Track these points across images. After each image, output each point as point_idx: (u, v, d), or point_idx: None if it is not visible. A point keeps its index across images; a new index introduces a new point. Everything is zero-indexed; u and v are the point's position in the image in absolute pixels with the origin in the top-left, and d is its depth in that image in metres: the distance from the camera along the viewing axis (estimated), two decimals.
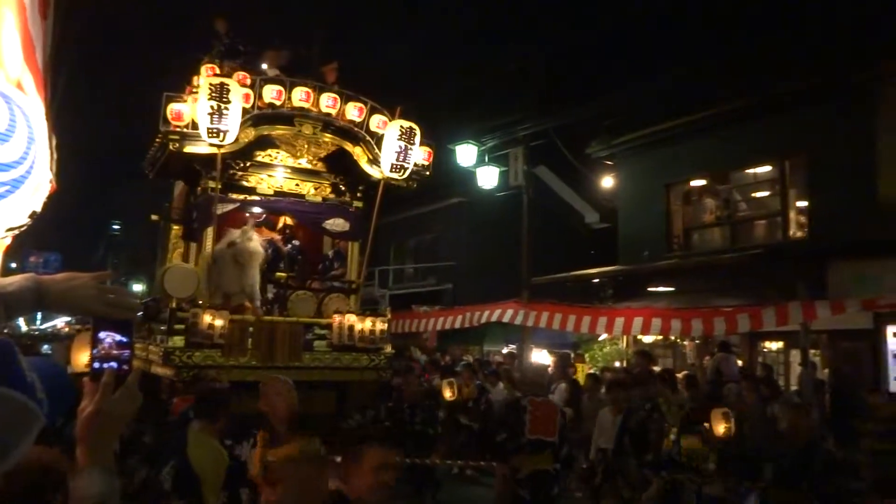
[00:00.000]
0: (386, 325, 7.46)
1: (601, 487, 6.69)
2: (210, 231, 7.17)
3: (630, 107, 13.58)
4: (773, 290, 9.47)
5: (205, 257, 7.15)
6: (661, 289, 12.29)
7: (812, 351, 8.81)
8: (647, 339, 12.12)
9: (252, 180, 7.59)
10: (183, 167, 7.61)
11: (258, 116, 6.90)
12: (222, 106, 6.38)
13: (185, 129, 6.64)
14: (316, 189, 7.92)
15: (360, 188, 8.01)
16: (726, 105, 11.81)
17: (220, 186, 6.93)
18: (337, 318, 7.18)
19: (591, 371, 10.52)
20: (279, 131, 7.30)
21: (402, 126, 7.20)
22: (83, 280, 1.27)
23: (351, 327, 7.11)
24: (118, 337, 1.27)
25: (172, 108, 6.61)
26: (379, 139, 7.30)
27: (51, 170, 1.61)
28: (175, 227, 8.49)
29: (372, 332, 7.21)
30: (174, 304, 6.55)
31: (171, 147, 6.74)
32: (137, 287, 41.43)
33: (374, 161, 7.39)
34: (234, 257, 6.99)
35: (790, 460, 5.36)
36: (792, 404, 6.10)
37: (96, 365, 1.24)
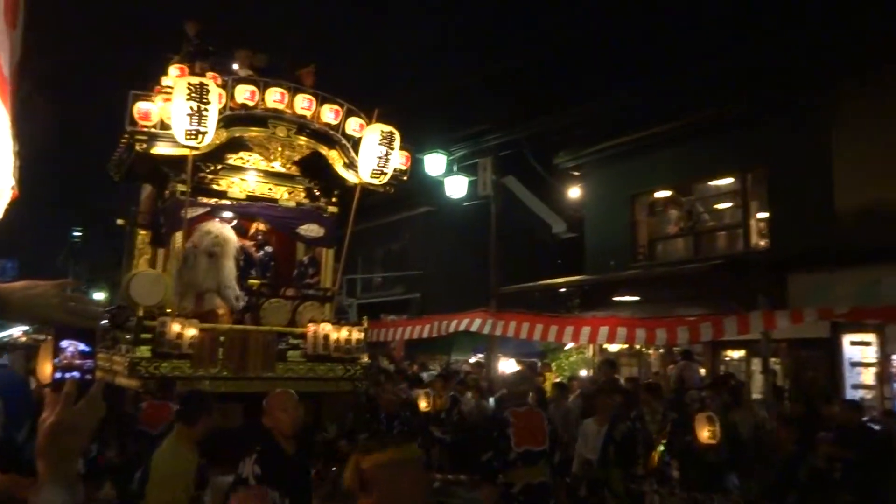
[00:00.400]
0: (363, 334, 7.27)
1: (587, 500, 6.52)
2: (179, 236, 6.93)
3: (597, 118, 13.77)
4: (734, 300, 9.66)
5: (174, 261, 6.88)
6: (626, 298, 12.43)
7: (772, 359, 8.99)
8: (613, 347, 12.24)
9: (223, 184, 7.33)
10: (150, 170, 7.32)
11: (230, 118, 6.65)
12: (202, 107, 6.14)
13: (152, 130, 6.38)
14: (290, 193, 7.68)
15: (335, 193, 7.79)
16: (689, 118, 12.05)
17: (189, 190, 6.68)
18: (312, 328, 6.97)
19: (558, 380, 10.59)
20: (252, 133, 7.05)
21: (382, 131, 7.00)
22: (44, 288, 1.24)
23: (326, 337, 6.92)
24: (81, 346, 1.23)
25: (140, 107, 6.33)
26: (356, 142, 7.09)
27: (13, 176, 1.58)
28: (142, 232, 8.19)
29: (348, 341, 7.02)
30: (141, 313, 6.29)
31: (137, 148, 6.46)
32: (99, 295, 40.50)
33: (350, 165, 7.18)
34: (207, 249, 6.75)
35: (776, 473, 5.25)
36: (779, 415, 6.09)
37: (58, 375, 1.19)
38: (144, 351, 6.21)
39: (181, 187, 6.84)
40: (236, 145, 7.16)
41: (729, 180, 12.27)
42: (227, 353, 6.47)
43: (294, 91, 7.01)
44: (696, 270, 11.34)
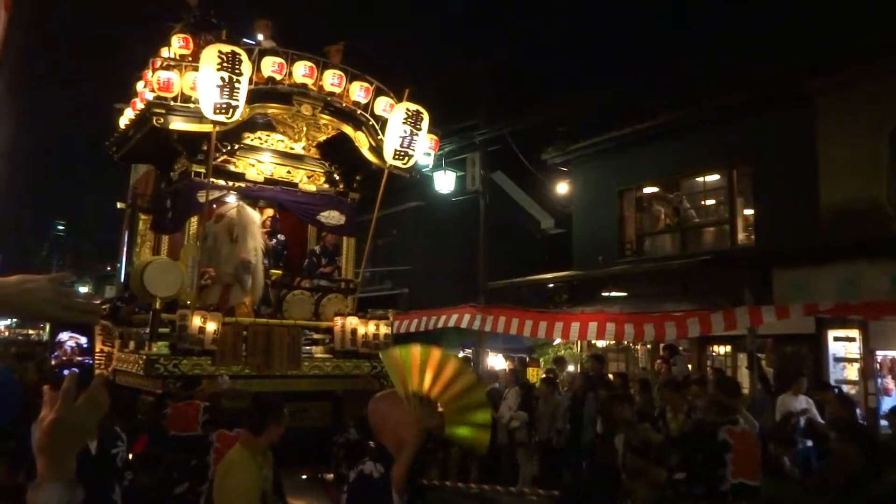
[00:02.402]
0: (389, 328, 6.78)
1: None
2: (194, 221, 6.37)
3: (585, 114, 13.82)
4: (721, 296, 9.74)
5: (189, 248, 6.24)
6: (614, 293, 12.51)
7: (758, 355, 9.08)
8: (601, 343, 12.31)
9: (240, 165, 6.80)
10: (157, 147, 6.66)
11: (254, 92, 5.98)
12: (234, 78, 5.53)
13: (172, 102, 5.74)
14: (309, 177, 7.16)
15: (357, 178, 7.28)
16: (676, 114, 12.11)
17: (210, 170, 6.13)
18: (339, 322, 6.51)
19: (545, 375, 10.63)
20: (274, 110, 6.44)
21: (408, 109, 6.52)
22: (39, 282, 1.20)
23: (354, 331, 6.46)
24: (83, 340, 1.21)
25: (160, 76, 5.72)
26: (384, 124, 6.61)
27: None
28: (143, 217, 7.55)
29: (375, 336, 6.57)
30: (158, 305, 5.67)
31: (154, 122, 5.79)
32: (83, 289, 40.12)
33: (377, 148, 6.68)
34: (227, 230, 6.25)
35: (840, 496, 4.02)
36: (838, 428, 4.41)
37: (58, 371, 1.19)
38: (162, 347, 5.68)
39: (197, 167, 6.30)
40: (253, 124, 6.64)
41: (715, 177, 12.35)
42: (250, 349, 5.96)
43: (323, 66, 6.44)
44: (683, 266, 11.42)
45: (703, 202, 12.85)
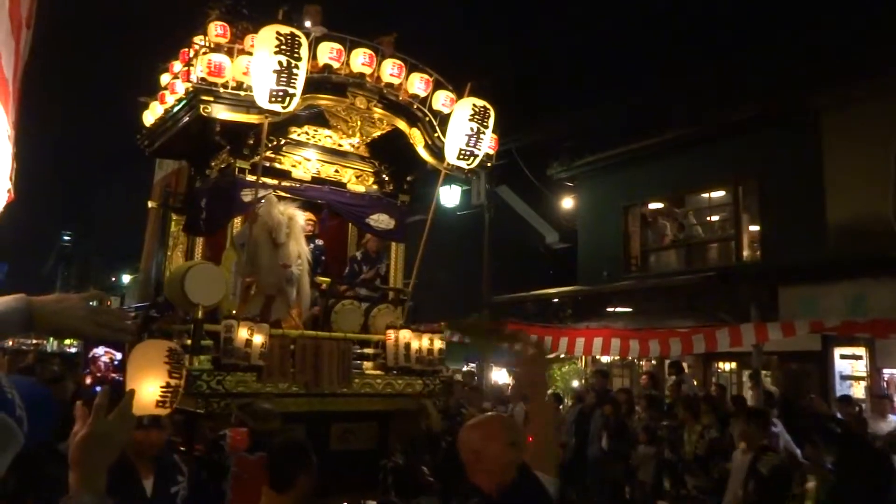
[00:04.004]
0: (444, 343, 6.27)
1: None
2: (238, 222, 5.89)
3: (590, 130, 13.85)
4: (726, 312, 9.70)
5: (232, 253, 5.75)
6: (619, 309, 12.47)
7: (763, 372, 9.02)
8: (605, 358, 12.25)
9: (285, 162, 6.31)
10: (194, 141, 6.10)
11: (307, 81, 5.33)
12: (292, 63, 4.97)
13: (221, 89, 5.21)
14: (357, 177, 6.67)
15: (408, 179, 6.83)
16: (682, 130, 12.13)
17: (259, 165, 5.61)
18: (392, 335, 6.00)
19: (551, 390, 10.58)
20: (325, 102, 5.85)
21: (475, 105, 5.95)
22: (73, 301, 1.24)
23: (408, 345, 5.95)
24: (118, 355, 1.25)
25: (211, 59, 5.19)
26: (441, 120, 6.11)
27: (10, 179, 1.57)
28: (175, 218, 6.98)
29: (430, 351, 6.05)
30: (200, 315, 5.11)
31: (202, 110, 5.20)
32: (115, 305, 40.12)
33: (433, 146, 6.16)
34: (269, 234, 5.67)
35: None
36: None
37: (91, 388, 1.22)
38: (205, 362, 5.09)
39: (241, 163, 5.82)
40: (300, 117, 6.07)
41: (721, 192, 12.34)
42: (298, 365, 5.44)
43: (381, 55, 5.90)
44: (688, 282, 11.38)
45: (708, 218, 12.84)
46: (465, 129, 5.92)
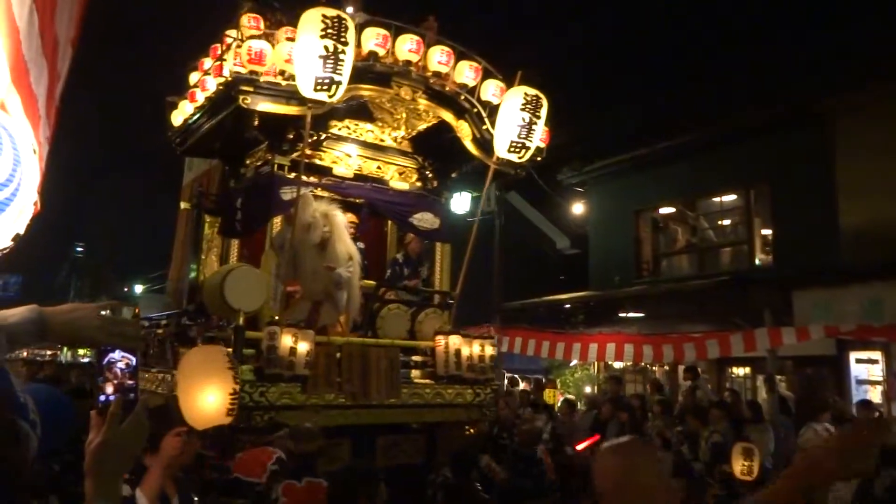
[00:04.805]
0: (494, 349, 5.94)
1: None
2: (277, 222, 5.54)
3: (600, 135, 13.83)
4: (739, 316, 9.63)
5: (272, 255, 5.43)
6: (631, 314, 12.41)
7: (777, 377, 8.95)
8: (618, 364, 12.20)
9: (326, 158, 5.95)
10: (229, 137, 5.80)
11: (354, 70, 4.89)
12: (339, 48, 4.55)
13: (260, 79, 4.86)
14: (400, 174, 6.30)
15: (453, 175, 6.51)
16: (693, 134, 12.08)
17: (293, 162, 5.23)
18: (441, 341, 5.65)
19: (565, 396, 10.55)
20: (368, 93, 5.45)
21: (526, 94, 5.51)
22: (86, 311, 1.26)
23: (458, 352, 5.60)
24: (133, 360, 1.26)
25: (252, 46, 4.82)
26: (490, 111, 5.71)
27: (38, 191, 1.60)
28: (209, 220, 6.68)
29: (481, 358, 5.72)
30: (241, 321, 4.75)
31: (241, 101, 4.84)
32: (127, 313, 40.14)
33: (481, 140, 5.78)
34: (311, 236, 5.37)
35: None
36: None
37: (102, 398, 1.22)
38: (246, 372, 4.67)
39: (280, 159, 5.48)
40: (340, 109, 5.67)
41: (732, 196, 12.28)
42: (345, 374, 5.10)
43: (428, 41, 5.49)
44: (701, 287, 11.32)
45: (720, 222, 12.77)
46: (516, 120, 5.48)
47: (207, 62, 5.97)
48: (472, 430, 5.73)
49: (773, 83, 11.44)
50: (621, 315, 12.49)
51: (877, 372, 9.42)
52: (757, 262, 11.55)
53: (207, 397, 3.49)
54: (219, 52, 5.63)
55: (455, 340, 5.66)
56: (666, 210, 13.44)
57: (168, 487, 2.69)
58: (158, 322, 6.74)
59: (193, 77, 6.21)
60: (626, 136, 13.52)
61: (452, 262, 6.56)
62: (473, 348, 5.71)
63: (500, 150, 5.58)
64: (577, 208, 15.58)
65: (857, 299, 8.93)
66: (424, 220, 6.25)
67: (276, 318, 4.92)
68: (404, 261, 6.61)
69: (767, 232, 11.55)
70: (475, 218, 6.28)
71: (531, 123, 5.53)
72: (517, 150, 5.57)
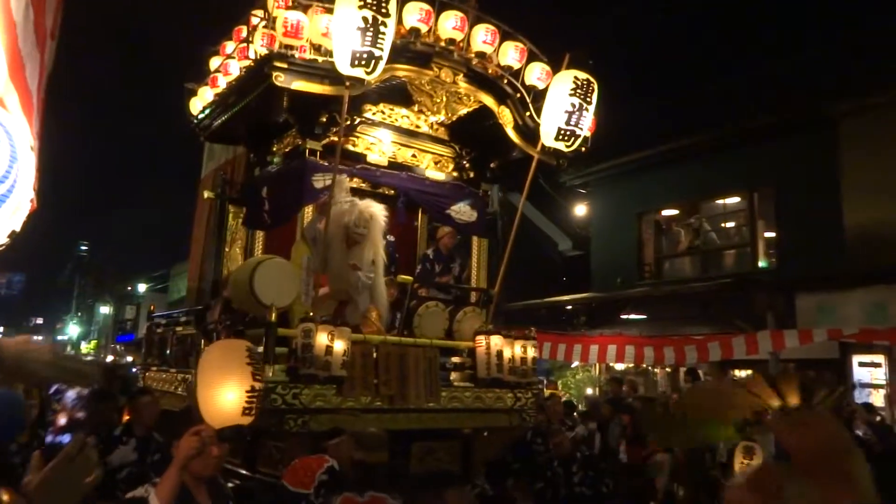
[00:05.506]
0: (536, 351, 5.56)
1: None
2: (309, 211, 5.19)
3: (603, 136, 13.80)
4: (742, 319, 9.61)
5: (302, 247, 5.05)
6: (633, 316, 12.40)
7: None
8: (619, 366, 12.18)
9: (360, 144, 5.58)
10: (257, 121, 5.44)
11: (393, 48, 4.47)
12: (379, 19, 4.13)
13: (293, 55, 4.47)
14: (436, 163, 5.93)
15: (492, 165, 6.12)
16: (696, 137, 12.06)
17: (325, 147, 4.91)
18: (482, 341, 5.30)
19: (565, 398, 10.53)
20: (405, 73, 5.02)
21: (576, 77, 5.07)
22: (38, 346, 1.25)
23: (500, 353, 5.24)
24: (84, 391, 1.24)
25: (288, 17, 4.43)
26: (535, 96, 5.31)
27: (33, 188, 1.60)
28: (233, 210, 6.32)
29: (523, 360, 5.37)
30: (273, 317, 4.43)
31: (274, 79, 4.43)
32: (105, 309, 40.52)
33: (524, 127, 5.38)
34: (343, 231, 5.07)
35: None
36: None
37: (49, 438, 1.22)
38: (279, 372, 4.38)
39: (312, 144, 5.13)
40: (374, 93, 5.32)
41: (736, 199, 12.26)
42: (382, 376, 4.75)
43: (474, 19, 5.04)
44: (703, 289, 11.30)
45: (723, 225, 12.74)
46: (565, 106, 5.06)
47: (230, 46, 5.68)
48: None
49: (778, 86, 11.41)
50: (623, 317, 12.48)
51: (880, 375, 9.40)
52: (760, 264, 11.53)
53: (226, 394, 3.32)
54: (243, 33, 5.37)
55: (497, 341, 5.31)
56: (669, 212, 13.42)
57: (200, 495, 2.54)
58: (177, 319, 6.45)
59: (214, 62, 5.93)
60: (629, 138, 13.50)
61: (490, 256, 6.23)
62: (515, 349, 5.37)
63: (547, 137, 5.18)
64: (580, 210, 15.57)
65: (860, 302, 8.91)
66: (462, 212, 5.83)
67: (311, 314, 4.52)
68: (434, 256, 6.22)
69: (771, 234, 11.52)
70: (518, 213, 6.00)
71: (581, 109, 5.13)
72: (565, 137, 5.16)
